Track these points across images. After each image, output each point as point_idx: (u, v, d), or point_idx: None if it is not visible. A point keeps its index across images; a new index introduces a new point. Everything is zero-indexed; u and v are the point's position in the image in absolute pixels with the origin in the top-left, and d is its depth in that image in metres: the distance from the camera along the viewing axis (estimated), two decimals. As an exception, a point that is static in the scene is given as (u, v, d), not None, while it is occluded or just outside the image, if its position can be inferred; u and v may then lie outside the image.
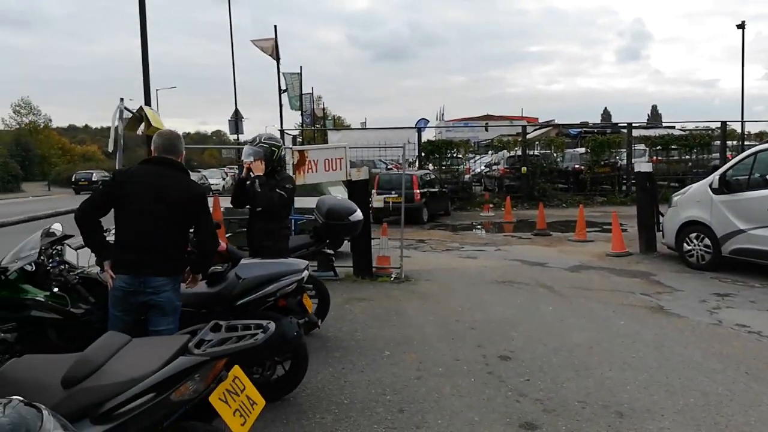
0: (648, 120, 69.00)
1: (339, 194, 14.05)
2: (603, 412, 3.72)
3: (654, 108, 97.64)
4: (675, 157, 19.57)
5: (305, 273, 3.92)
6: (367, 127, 38.52)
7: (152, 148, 3.55)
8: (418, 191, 14.51)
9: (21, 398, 1.39)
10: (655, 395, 3.97)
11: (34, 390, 2.14)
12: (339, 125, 52.71)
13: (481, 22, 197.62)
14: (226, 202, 6.72)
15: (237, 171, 40.61)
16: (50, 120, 60.26)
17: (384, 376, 4.36)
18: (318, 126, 36.43)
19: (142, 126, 6.56)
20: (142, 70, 8.18)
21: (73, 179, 38.32)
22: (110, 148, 6.33)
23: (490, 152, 24.59)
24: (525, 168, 19.12)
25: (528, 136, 20.77)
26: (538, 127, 29.52)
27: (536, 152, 20.22)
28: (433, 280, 7.88)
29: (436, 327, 5.67)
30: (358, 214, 5.68)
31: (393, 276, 7.94)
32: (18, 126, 56.12)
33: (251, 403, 2.31)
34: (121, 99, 6.06)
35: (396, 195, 12.29)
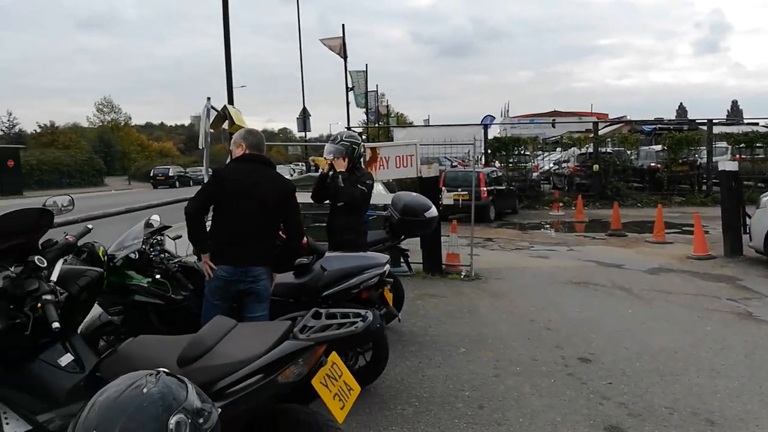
0: (728, 116, 64.96)
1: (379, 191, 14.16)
2: (693, 419, 3.59)
3: (734, 103, 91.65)
4: (760, 156, 18.41)
5: (387, 267, 4.01)
6: (430, 124, 38.50)
7: (242, 145, 3.70)
8: (485, 189, 14.36)
9: (167, 370, 1.52)
10: (748, 404, 3.79)
11: (151, 367, 2.31)
12: (402, 122, 52.87)
13: (547, 15, 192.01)
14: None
15: (303, 167, 41.60)
16: (130, 118, 63.86)
17: (461, 373, 4.38)
18: (381, 123, 36.73)
19: (226, 123, 6.86)
20: (226, 70, 8.57)
21: (151, 174, 40.46)
22: (200, 146, 6.66)
23: (558, 149, 23.99)
24: (597, 166, 18.53)
25: (599, 133, 20.10)
26: (609, 123, 28.48)
27: (608, 149, 19.54)
28: (505, 278, 7.81)
29: (511, 326, 5.63)
30: (433, 211, 5.72)
31: (463, 273, 7.92)
32: (101, 123, 59.75)
33: (348, 388, 2.41)
34: (208, 98, 6.36)
35: (465, 192, 12.23)
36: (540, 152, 21.15)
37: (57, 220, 3.03)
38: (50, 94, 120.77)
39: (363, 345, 3.94)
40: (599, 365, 4.53)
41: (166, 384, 1.44)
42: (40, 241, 2.93)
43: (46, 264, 2.73)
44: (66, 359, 2.69)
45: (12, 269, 2.65)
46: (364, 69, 28.52)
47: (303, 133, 30.39)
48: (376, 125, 33.22)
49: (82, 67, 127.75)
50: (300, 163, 64.02)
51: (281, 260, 3.68)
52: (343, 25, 19.22)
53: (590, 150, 19.16)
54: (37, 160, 35.24)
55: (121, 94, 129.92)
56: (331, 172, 4.93)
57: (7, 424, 2.55)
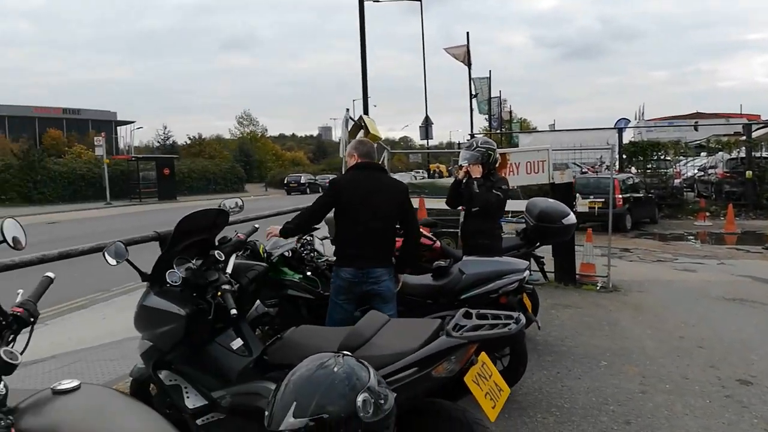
0: None
1: None
2: None
3: None
4: None
5: (527, 273, 3.96)
6: (556, 128, 37.04)
7: (354, 155, 3.88)
8: (620, 196, 13.55)
9: (350, 353, 1.67)
10: None
11: (314, 353, 2.51)
12: (525, 127, 51.47)
13: (685, 10, 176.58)
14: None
15: (425, 174, 41.90)
16: (266, 129, 68.79)
17: (604, 386, 4.20)
18: (504, 129, 36.02)
19: (361, 133, 7.17)
20: (362, 82, 8.98)
21: (285, 181, 43.27)
22: (341, 154, 7.02)
23: (703, 154, 21.94)
24: (750, 172, 16.69)
25: (752, 135, 18.07)
26: (762, 125, 25.50)
27: (763, 154, 17.50)
28: (647, 291, 7.32)
29: (657, 341, 5.28)
30: (571, 218, 5.53)
31: (599, 285, 7.55)
32: (240, 135, 64.97)
33: (498, 389, 2.44)
34: (347, 109, 6.71)
35: (600, 200, 11.63)
36: (682, 157, 19.49)
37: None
38: (198, 110, 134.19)
39: (501, 350, 3.93)
40: (762, 389, 4.11)
41: (350, 365, 1.58)
42: (217, 238, 3.31)
43: (223, 258, 3.07)
44: (237, 343, 3.00)
45: (193, 262, 3.01)
46: (488, 75, 28.19)
47: (425, 141, 30.82)
48: (499, 131, 32.68)
49: (224, 85, 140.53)
50: (420, 171, 64.97)
51: (402, 260, 3.83)
52: (467, 32, 19.31)
53: (742, 154, 17.30)
54: (188, 168, 39.14)
55: (257, 107, 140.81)
56: (465, 179, 4.98)
57: (188, 397, 2.89)
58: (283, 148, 73.19)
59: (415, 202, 4.82)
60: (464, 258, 4.17)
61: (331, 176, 47.73)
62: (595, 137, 16.86)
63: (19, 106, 59.38)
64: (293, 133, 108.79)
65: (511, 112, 43.86)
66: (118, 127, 65.61)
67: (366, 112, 9.36)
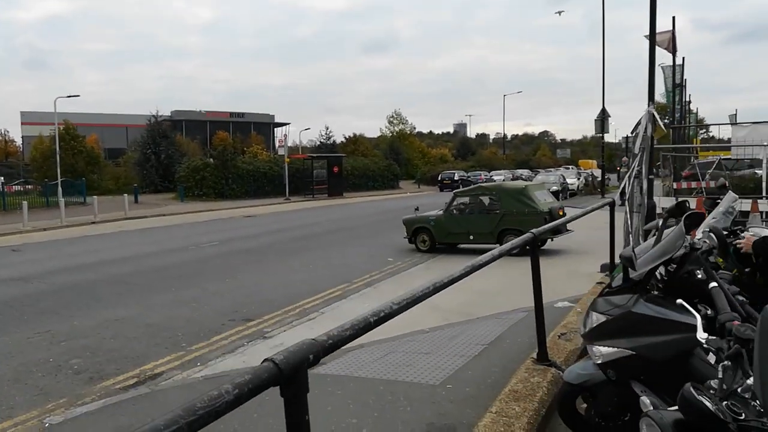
0: None
1: (545, 198, 12.33)
2: None
3: None
4: None
5: None
6: (737, 121, 33.05)
7: None
8: None
9: None
10: None
11: None
12: (700, 121, 46.70)
13: None
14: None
15: (578, 170, 39.68)
16: (414, 128, 70.06)
17: None
18: (684, 123, 32.92)
19: (648, 129, 6.83)
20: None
21: (438, 178, 43.74)
22: (636, 150, 6.76)
23: None
24: None
25: None
26: None
27: None
28: None
29: None
30: None
31: None
32: (390, 134, 66.81)
33: None
34: (651, 102, 6.39)
35: None
36: None
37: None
38: (343, 110, 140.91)
39: None
40: None
41: None
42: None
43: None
44: (712, 357, 2.87)
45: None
46: (676, 63, 25.87)
47: (600, 135, 29.22)
48: (681, 125, 29.95)
49: (365, 86, 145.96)
50: (570, 167, 61.82)
51: None
52: (673, 17, 17.77)
53: None
54: (351, 166, 41.03)
55: (394, 106, 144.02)
56: None
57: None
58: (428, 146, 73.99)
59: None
60: None
61: (482, 173, 47.43)
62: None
63: (194, 111, 66.50)
64: (430, 131, 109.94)
65: (690, 102, 40.05)
66: (275, 129, 70.87)
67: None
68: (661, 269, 3.75)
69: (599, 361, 2.97)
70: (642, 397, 2.53)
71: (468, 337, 5.81)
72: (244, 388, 1.33)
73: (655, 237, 4.27)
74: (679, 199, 3.48)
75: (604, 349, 2.95)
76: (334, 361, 5.45)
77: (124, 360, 5.79)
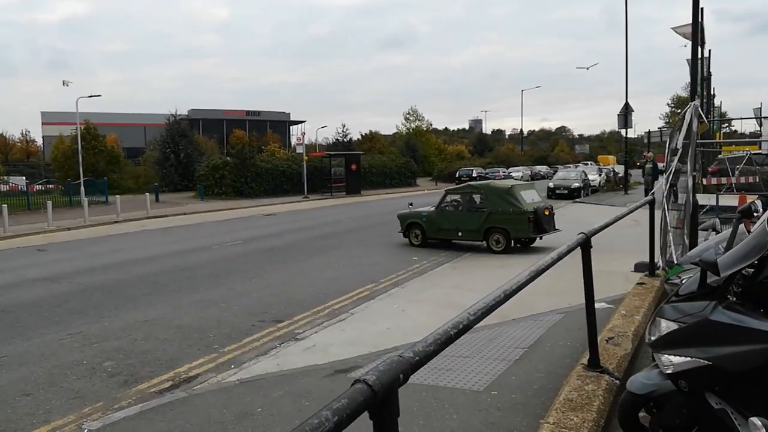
0: None
1: (531, 198, 12.46)
2: None
3: None
4: None
5: None
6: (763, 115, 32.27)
7: None
8: None
9: None
10: None
11: None
12: (723, 116, 45.82)
13: None
14: None
15: (598, 166, 39.05)
16: (431, 124, 69.74)
17: None
18: (710, 117, 32.27)
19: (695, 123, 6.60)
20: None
21: (456, 175, 43.47)
22: (678, 145, 6.54)
23: None
24: None
25: None
26: None
27: None
28: None
29: None
30: None
31: None
32: (407, 131, 66.59)
33: None
34: (695, 96, 6.16)
35: None
36: None
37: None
38: (357, 107, 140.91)
39: None
40: None
41: None
42: None
43: None
44: None
45: None
46: (707, 56, 25.28)
47: (624, 131, 28.79)
48: (708, 119, 29.34)
49: (380, 83, 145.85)
50: (589, 162, 61.04)
51: None
52: (701, 8, 17.19)
53: None
54: (368, 164, 40.90)
55: (409, 103, 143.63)
56: None
57: (739, 424, 2.63)
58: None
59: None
60: None
61: (501, 169, 47.07)
62: None
63: (211, 110, 66.90)
64: (446, 127, 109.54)
65: (714, 95, 39.24)
66: (291, 127, 71.01)
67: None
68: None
69: (669, 371, 2.81)
70: (752, 419, 2.36)
71: (506, 340, 5.66)
72: (343, 414, 1.21)
73: (711, 238, 4.09)
74: (750, 200, 3.28)
75: (675, 359, 2.78)
76: (371, 364, 5.34)
77: (158, 362, 5.73)
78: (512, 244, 11.93)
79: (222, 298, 8.40)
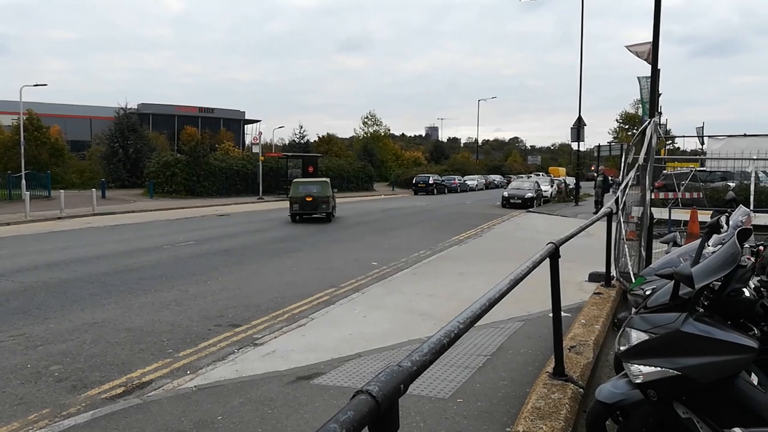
0: None
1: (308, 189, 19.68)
2: None
3: None
4: None
5: None
6: (704, 134, 34.01)
7: None
8: None
9: None
10: None
11: None
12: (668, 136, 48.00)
13: None
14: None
15: (548, 177, 40.19)
16: (389, 130, 69.99)
17: None
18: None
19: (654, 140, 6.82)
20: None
21: (414, 181, 43.68)
22: (640, 161, 6.74)
23: None
24: None
25: None
26: None
27: None
28: None
29: None
30: None
31: None
32: (364, 135, 66.62)
33: None
34: (658, 113, 6.37)
35: None
36: None
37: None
38: (314, 109, 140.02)
39: None
40: None
41: None
42: None
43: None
44: (755, 378, 2.80)
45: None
46: (649, 76, 26.44)
47: (576, 144, 29.65)
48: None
49: (338, 85, 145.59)
50: (541, 173, 62.73)
51: None
52: (657, 29, 17.92)
53: None
54: (326, 166, 40.63)
55: (367, 107, 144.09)
56: None
57: None
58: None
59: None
60: None
61: (457, 177, 47.75)
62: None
63: (162, 105, 65.07)
64: (403, 133, 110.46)
65: (661, 113, 41.01)
66: (246, 126, 69.86)
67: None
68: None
69: (639, 380, 2.87)
70: (735, 429, 2.43)
71: (468, 347, 5.69)
72: (350, 426, 1.15)
73: (673, 251, 4.23)
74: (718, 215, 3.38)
75: (645, 369, 2.84)
76: (333, 371, 5.26)
77: (108, 367, 5.46)
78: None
79: (175, 300, 8.11)
